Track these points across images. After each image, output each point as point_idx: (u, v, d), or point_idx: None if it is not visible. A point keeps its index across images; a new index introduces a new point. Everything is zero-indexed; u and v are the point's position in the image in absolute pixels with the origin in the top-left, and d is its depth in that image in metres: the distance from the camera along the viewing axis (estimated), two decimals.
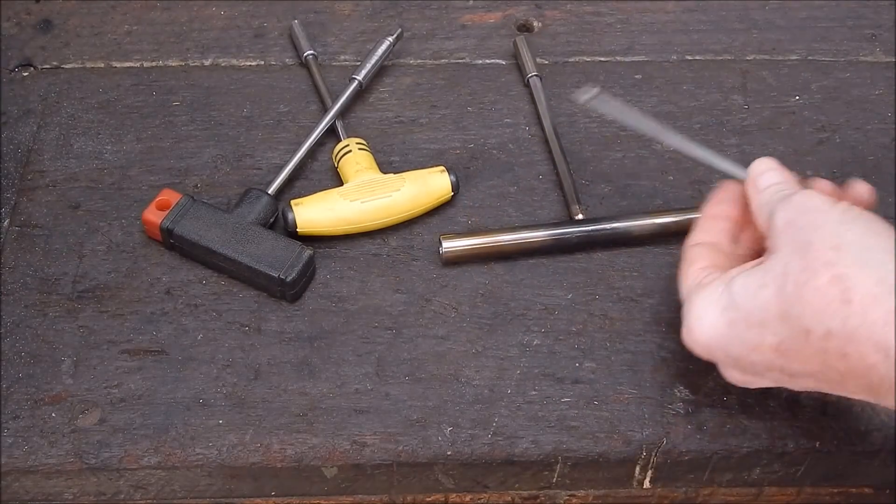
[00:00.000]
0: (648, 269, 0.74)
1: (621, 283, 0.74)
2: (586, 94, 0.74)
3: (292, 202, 0.75)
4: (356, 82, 0.83)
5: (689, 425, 0.67)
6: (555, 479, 0.68)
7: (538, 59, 0.86)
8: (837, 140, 0.82)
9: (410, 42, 0.89)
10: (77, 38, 0.89)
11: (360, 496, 0.71)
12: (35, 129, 0.82)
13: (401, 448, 0.66)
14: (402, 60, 0.88)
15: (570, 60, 0.88)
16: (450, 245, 0.74)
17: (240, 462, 0.66)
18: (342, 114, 0.82)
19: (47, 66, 0.87)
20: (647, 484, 0.69)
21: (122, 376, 0.69)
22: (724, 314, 0.60)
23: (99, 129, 0.82)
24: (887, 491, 0.72)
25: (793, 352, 0.58)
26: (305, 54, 0.86)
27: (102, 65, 0.87)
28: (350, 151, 0.78)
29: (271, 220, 0.75)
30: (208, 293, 0.73)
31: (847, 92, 0.85)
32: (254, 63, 0.87)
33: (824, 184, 0.67)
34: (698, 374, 0.68)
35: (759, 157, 0.66)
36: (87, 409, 0.67)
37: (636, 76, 0.86)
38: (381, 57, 0.84)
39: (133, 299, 0.72)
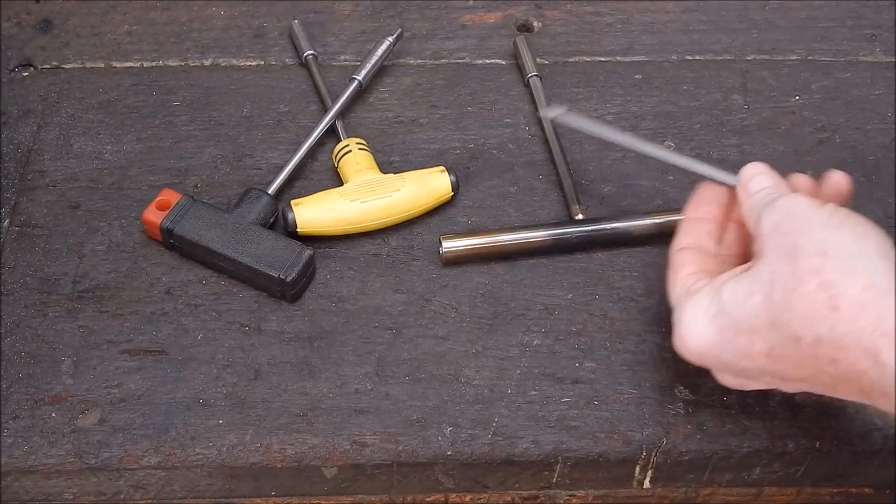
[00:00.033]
0: (648, 269, 0.74)
1: (621, 283, 0.74)
2: (553, 112, 0.75)
3: (292, 202, 0.74)
4: (356, 82, 0.83)
5: (689, 425, 0.67)
6: (555, 479, 0.68)
7: (538, 59, 0.86)
8: (837, 140, 0.82)
9: (410, 42, 0.89)
10: (77, 38, 0.89)
11: (360, 496, 0.71)
12: (35, 129, 0.82)
13: (401, 448, 0.66)
14: (402, 60, 0.87)
15: (570, 60, 0.88)
16: (450, 245, 0.74)
17: (240, 462, 0.66)
18: (342, 114, 0.82)
19: (47, 66, 0.86)
20: (647, 484, 0.69)
21: (122, 376, 0.69)
22: (713, 322, 0.60)
23: (99, 129, 0.82)
24: (887, 491, 0.72)
25: (783, 358, 0.58)
26: (305, 54, 0.86)
27: (102, 65, 0.87)
28: (350, 151, 0.78)
29: (271, 220, 0.75)
30: (208, 293, 0.73)
31: (847, 92, 0.85)
32: (254, 63, 0.87)
33: (802, 179, 0.67)
34: (698, 374, 0.68)
35: (759, 157, 0.66)
36: (87, 409, 0.67)
37: (636, 76, 0.86)
38: (381, 57, 0.84)
39: (133, 299, 0.72)
